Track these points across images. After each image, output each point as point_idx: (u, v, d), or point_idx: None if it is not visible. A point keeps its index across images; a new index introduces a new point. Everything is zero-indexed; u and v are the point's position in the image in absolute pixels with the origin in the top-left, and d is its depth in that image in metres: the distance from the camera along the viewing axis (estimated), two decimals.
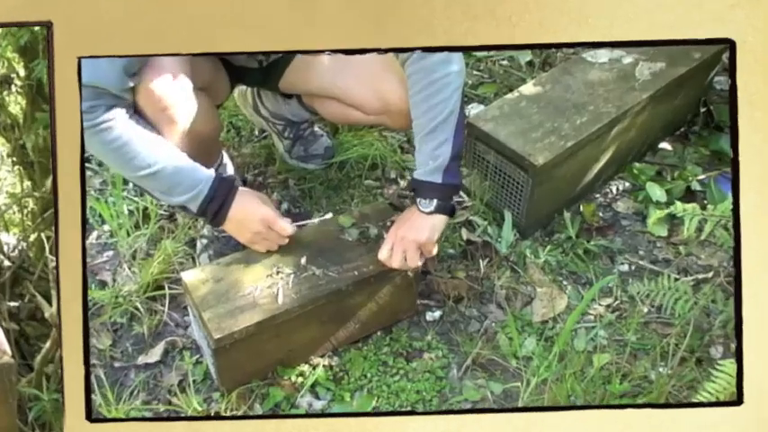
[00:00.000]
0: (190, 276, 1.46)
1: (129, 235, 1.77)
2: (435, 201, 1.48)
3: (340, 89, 1.66)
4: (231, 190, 1.47)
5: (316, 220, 1.61)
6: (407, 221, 1.50)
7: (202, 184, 1.44)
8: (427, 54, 1.39)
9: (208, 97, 1.56)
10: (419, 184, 1.48)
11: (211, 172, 1.47)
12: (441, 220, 1.51)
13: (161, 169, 1.41)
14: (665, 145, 2.17)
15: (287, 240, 1.52)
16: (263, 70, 1.65)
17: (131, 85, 1.34)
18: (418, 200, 1.49)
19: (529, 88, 1.94)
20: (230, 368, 1.46)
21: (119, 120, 1.36)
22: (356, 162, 2.06)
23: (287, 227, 1.49)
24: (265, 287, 1.45)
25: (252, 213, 1.48)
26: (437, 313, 1.71)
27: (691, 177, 2.00)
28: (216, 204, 1.46)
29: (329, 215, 1.63)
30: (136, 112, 1.40)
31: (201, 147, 1.55)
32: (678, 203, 1.45)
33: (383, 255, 1.49)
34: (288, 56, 1.64)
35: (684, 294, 1.50)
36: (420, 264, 1.52)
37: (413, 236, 1.47)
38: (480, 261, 1.79)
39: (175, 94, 1.40)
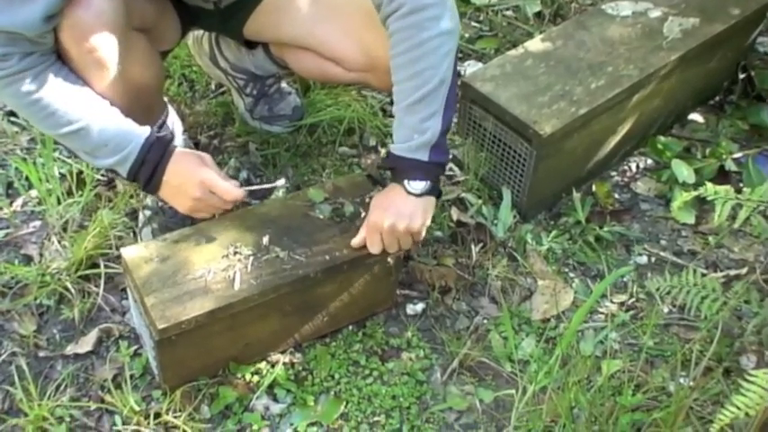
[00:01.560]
0: (131, 253, 1.49)
1: (59, 203, 1.80)
2: (427, 181, 1.52)
3: (318, 39, 1.69)
4: (166, 151, 1.50)
5: (268, 186, 1.63)
6: (392, 205, 1.53)
7: (132, 144, 1.47)
8: (414, 8, 1.42)
9: (149, 41, 1.58)
10: (401, 161, 1.52)
11: (144, 130, 1.49)
12: (431, 202, 1.55)
13: (84, 126, 1.44)
14: (695, 116, 2.24)
15: (230, 206, 1.55)
16: (223, 11, 1.67)
17: (50, 27, 1.37)
18: (406, 180, 1.52)
19: (536, 44, 1.99)
20: (175, 363, 1.50)
21: (36, 69, 1.38)
22: (329, 126, 2.11)
23: (231, 190, 1.51)
24: (220, 270, 1.49)
25: (190, 177, 1.50)
26: (419, 306, 1.76)
27: (725, 155, 2.06)
28: (148, 168, 1.49)
29: (281, 181, 1.66)
30: (60, 58, 1.43)
31: (139, 99, 1.56)
32: (708, 185, 1.49)
33: (357, 241, 1.54)
34: None
35: (712, 293, 1.52)
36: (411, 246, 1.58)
37: (404, 224, 1.51)
38: (472, 246, 1.84)
39: (105, 32, 1.41)
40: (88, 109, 1.44)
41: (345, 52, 1.68)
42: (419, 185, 1.51)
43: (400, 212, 1.51)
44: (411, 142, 1.49)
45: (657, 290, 1.62)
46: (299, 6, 1.69)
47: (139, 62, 1.53)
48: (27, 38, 1.34)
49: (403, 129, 1.50)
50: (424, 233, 1.57)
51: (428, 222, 1.55)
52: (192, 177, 1.50)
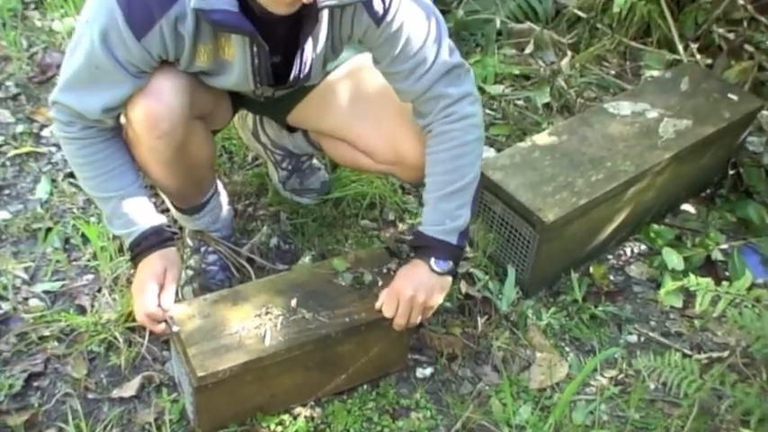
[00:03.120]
0: (177, 310, 1.67)
1: (111, 259, 1.99)
2: (450, 262, 1.70)
3: (353, 133, 1.88)
4: (148, 249, 1.67)
5: (176, 329, 1.66)
6: (415, 278, 1.70)
7: (135, 228, 1.67)
8: (462, 115, 1.64)
9: (205, 125, 1.79)
10: (432, 241, 1.70)
11: (149, 221, 1.68)
12: (448, 282, 1.73)
13: (111, 198, 1.66)
14: (687, 207, 2.41)
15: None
16: (272, 101, 1.87)
17: (108, 117, 1.58)
18: (433, 259, 1.70)
19: (543, 137, 2.18)
20: (209, 409, 1.67)
21: (92, 139, 1.61)
22: (353, 200, 2.29)
23: (142, 319, 1.64)
24: (252, 327, 1.67)
25: (137, 283, 1.67)
26: (428, 370, 1.92)
27: (712, 246, 2.22)
28: (134, 253, 1.69)
29: (176, 328, 1.65)
30: (120, 133, 1.65)
31: (192, 175, 1.80)
32: (692, 276, 1.66)
33: (387, 311, 1.71)
34: (300, 90, 1.87)
35: (691, 374, 1.69)
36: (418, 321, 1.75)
37: (423, 297, 1.69)
38: (478, 318, 2.01)
39: (171, 121, 1.61)
40: (121, 186, 1.66)
41: (376, 147, 1.86)
42: (444, 265, 1.69)
43: (423, 286, 1.69)
44: (443, 226, 1.68)
45: (644, 367, 1.79)
46: (340, 103, 1.88)
47: (196, 144, 1.75)
48: (88, 118, 1.57)
49: (436, 213, 1.69)
50: (433, 311, 1.75)
51: (441, 300, 1.73)
52: (135, 284, 1.67)
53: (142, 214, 1.68)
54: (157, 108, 1.58)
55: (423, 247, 1.72)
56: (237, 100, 1.91)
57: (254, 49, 1.54)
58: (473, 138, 1.68)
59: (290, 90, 1.84)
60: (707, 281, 1.65)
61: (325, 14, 1.58)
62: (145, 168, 1.72)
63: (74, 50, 1.53)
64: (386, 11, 1.56)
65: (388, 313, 1.71)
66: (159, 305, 1.63)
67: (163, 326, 1.64)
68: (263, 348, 1.64)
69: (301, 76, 1.67)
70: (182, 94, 1.61)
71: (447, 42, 1.65)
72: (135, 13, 1.44)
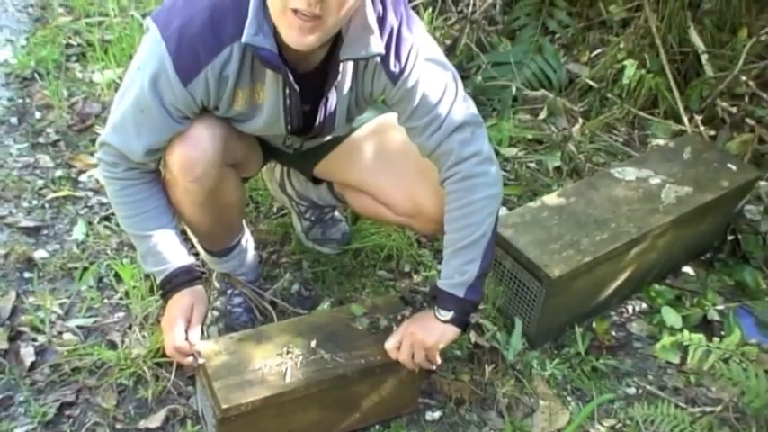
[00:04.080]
0: (204, 346, 1.79)
1: (143, 298, 2.11)
2: (452, 312, 1.81)
3: (376, 187, 2.01)
4: (178, 287, 1.81)
5: (201, 361, 1.77)
6: (421, 321, 1.83)
7: (166, 266, 1.80)
8: (468, 175, 1.75)
9: (236, 172, 1.92)
10: (440, 292, 1.81)
11: (181, 261, 1.81)
12: (453, 331, 1.83)
13: (147, 236, 1.79)
14: (687, 269, 2.52)
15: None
16: (300, 154, 2.01)
17: (151, 159, 1.73)
18: (436, 307, 1.81)
19: (552, 198, 2.30)
20: None
21: (133, 180, 1.76)
22: (371, 251, 2.41)
23: (170, 352, 1.77)
24: (274, 365, 1.78)
25: (166, 318, 1.80)
26: (437, 413, 2.02)
27: (709, 306, 2.33)
28: (165, 290, 1.82)
29: (201, 360, 1.78)
30: (158, 176, 1.79)
31: (222, 219, 1.94)
32: (686, 332, 1.78)
33: (389, 344, 1.82)
34: (327, 145, 2.01)
35: (682, 423, 1.79)
36: (424, 366, 1.85)
37: (422, 336, 1.80)
38: (486, 366, 2.10)
39: (206, 167, 1.75)
40: (157, 226, 1.80)
41: (396, 200, 1.98)
42: (446, 314, 1.80)
43: (425, 329, 1.80)
44: (451, 280, 1.79)
45: (640, 416, 1.88)
46: (364, 158, 2.01)
47: (227, 190, 1.87)
48: (131, 159, 1.71)
49: (448, 268, 1.80)
50: (438, 358, 1.84)
51: (442, 344, 1.82)
52: (165, 319, 1.80)
53: (174, 254, 1.81)
54: (194, 154, 1.71)
55: (433, 297, 1.84)
56: (268, 152, 2.05)
57: (287, 91, 1.68)
58: (479, 197, 1.76)
59: (317, 143, 1.98)
60: (699, 336, 1.76)
61: (348, 69, 1.72)
62: (179, 210, 1.85)
63: (123, 95, 1.68)
64: (402, 70, 1.69)
65: (392, 354, 1.82)
66: (187, 339, 1.75)
67: (190, 359, 1.76)
68: (284, 384, 1.75)
69: (326, 124, 1.80)
70: (217, 142, 1.74)
71: (461, 100, 1.75)
72: (183, 61, 1.58)
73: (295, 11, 1.46)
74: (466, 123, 1.75)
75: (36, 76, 3.04)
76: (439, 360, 1.86)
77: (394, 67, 1.69)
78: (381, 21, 1.64)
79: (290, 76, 1.63)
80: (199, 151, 1.72)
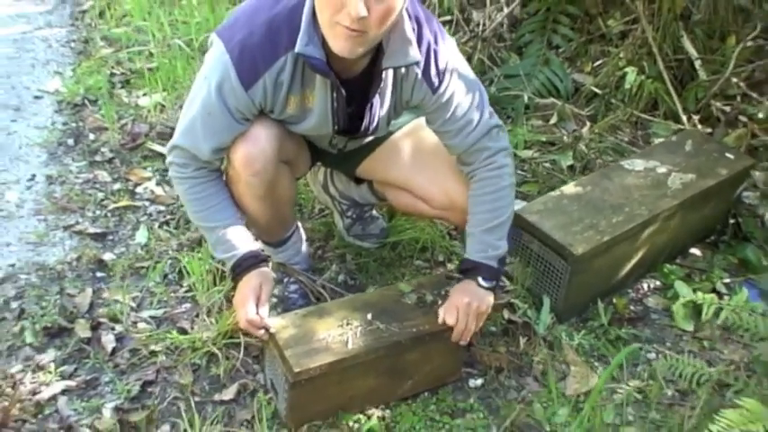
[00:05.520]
0: (274, 322, 1.97)
1: (208, 289, 2.30)
2: (493, 281, 2.02)
3: (413, 183, 2.21)
4: (247, 268, 2.00)
5: (273, 330, 1.97)
6: (468, 291, 2.02)
7: (235, 252, 1.99)
8: (498, 165, 2.00)
9: (290, 169, 2.12)
10: (478, 265, 2.02)
11: (249, 247, 2.01)
12: (492, 296, 2.04)
13: (216, 227, 1.99)
14: (695, 251, 2.71)
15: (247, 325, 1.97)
16: (345, 155, 2.22)
17: (217, 157, 1.93)
18: (480, 278, 2.02)
19: (570, 188, 2.50)
20: (300, 406, 1.95)
21: (201, 179, 1.96)
22: (408, 244, 2.61)
23: (242, 323, 1.96)
24: (337, 335, 1.96)
25: (238, 296, 1.99)
26: (479, 381, 2.20)
27: (716, 280, 2.52)
28: (235, 272, 2.01)
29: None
30: (222, 174, 1.99)
31: (278, 212, 2.13)
32: (699, 293, 1.96)
33: (449, 317, 2.00)
34: (367, 147, 2.22)
35: (701, 369, 1.97)
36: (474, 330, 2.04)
37: (476, 303, 2.00)
38: (520, 338, 2.29)
39: (265, 162, 1.95)
40: (224, 217, 2.00)
41: (433, 195, 2.18)
42: (488, 283, 2.01)
43: (475, 296, 2.00)
44: (486, 253, 2.00)
45: (661, 368, 2.05)
46: (402, 158, 2.22)
47: (283, 185, 2.07)
48: (200, 159, 1.91)
49: (480, 244, 2.02)
50: (484, 318, 2.05)
51: (489, 309, 2.03)
52: (238, 297, 2.00)
53: (241, 241, 2.00)
54: (254, 151, 1.92)
55: (470, 269, 2.04)
56: (315, 154, 2.25)
57: (334, 94, 1.88)
58: (507, 183, 2.03)
59: (359, 144, 2.19)
60: (711, 296, 1.94)
61: (389, 78, 1.92)
62: (242, 203, 2.04)
63: (191, 102, 1.89)
64: (440, 82, 1.91)
65: (450, 321, 2.00)
66: (258, 313, 1.94)
67: (262, 331, 1.95)
68: (347, 351, 1.93)
69: (371, 126, 2.00)
70: (273, 141, 1.94)
71: (488, 107, 2.01)
72: (245, 69, 1.79)
73: (341, 25, 1.68)
74: (494, 125, 2.01)
75: (86, 102, 3.26)
76: (481, 326, 2.05)
77: (434, 78, 1.91)
78: (419, 35, 1.86)
79: (337, 81, 1.84)
80: (258, 148, 1.92)
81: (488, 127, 1.99)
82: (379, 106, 1.97)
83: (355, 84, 1.90)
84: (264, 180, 1.98)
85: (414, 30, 1.84)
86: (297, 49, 1.75)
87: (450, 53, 1.93)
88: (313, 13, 1.74)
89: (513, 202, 2.06)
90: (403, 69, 1.90)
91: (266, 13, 1.79)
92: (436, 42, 1.89)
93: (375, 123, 2.00)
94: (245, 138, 1.91)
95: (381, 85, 1.91)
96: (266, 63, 1.80)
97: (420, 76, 1.91)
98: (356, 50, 1.73)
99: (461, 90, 1.95)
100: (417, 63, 1.87)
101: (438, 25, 1.93)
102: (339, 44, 1.71)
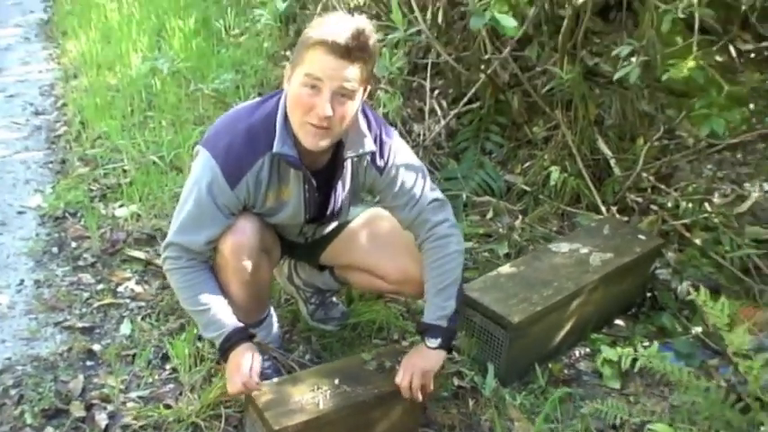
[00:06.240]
0: (255, 392, 2.24)
1: (190, 369, 2.55)
2: (439, 339, 2.30)
3: (371, 263, 2.53)
4: (235, 343, 2.24)
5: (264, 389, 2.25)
6: (417, 353, 2.32)
7: (224, 329, 2.24)
8: (440, 235, 2.30)
9: (268, 257, 2.43)
10: (429, 326, 2.31)
11: (236, 324, 2.25)
12: (441, 354, 2.32)
13: (205, 310, 2.24)
14: (618, 321, 3.05)
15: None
16: (310, 244, 2.54)
17: (208, 248, 2.22)
18: (426, 338, 2.31)
19: (506, 269, 2.84)
20: None
21: (192, 268, 2.23)
22: (366, 325, 2.90)
23: (241, 389, 2.19)
24: (309, 398, 2.22)
25: (230, 369, 2.21)
26: None
27: (638, 344, 2.85)
28: (225, 347, 2.25)
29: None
30: (210, 265, 2.28)
31: (257, 295, 2.41)
32: (618, 347, 2.30)
33: (399, 378, 2.29)
34: (331, 234, 2.55)
35: (622, 410, 2.28)
36: (426, 391, 2.32)
37: (422, 363, 2.28)
38: (469, 401, 2.58)
39: (250, 251, 2.25)
40: (212, 301, 2.25)
41: (388, 271, 2.50)
42: (435, 342, 2.29)
43: (423, 356, 2.29)
44: (435, 314, 2.29)
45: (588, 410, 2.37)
46: (361, 242, 2.55)
47: (263, 270, 2.36)
48: (193, 250, 2.20)
49: (431, 307, 2.31)
50: (432, 379, 2.30)
51: (437, 366, 2.31)
52: (231, 366, 2.22)
53: (229, 319, 2.27)
54: (242, 241, 2.23)
55: (423, 331, 2.33)
56: (285, 247, 2.57)
57: (306, 186, 2.21)
58: (452, 250, 2.31)
59: (323, 233, 2.52)
60: (629, 350, 2.28)
61: (348, 166, 2.27)
62: (227, 288, 2.30)
63: (184, 203, 2.19)
64: (385, 164, 2.28)
65: (397, 380, 2.27)
66: (251, 377, 2.19)
67: (255, 392, 2.20)
68: (319, 410, 2.19)
69: (335, 209, 2.34)
70: (257, 232, 2.26)
71: (429, 183, 2.34)
72: (230, 170, 2.13)
73: (310, 124, 2.04)
74: (436, 199, 2.34)
75: (67, 215, 3.54)
76: (432, 387, 2.33)
77: (380, 162, 2.27)
78: (369, 129, 2.23)
79: (308, 173, 2.18)
80: (245, 238, 2.23)
81: (429, 200, 2.31)
82: (342, 191, 2.31)
83: (322, 174, 2.25)
84: (249, 266, 2.26)
85: (368, 126, 2.21)
86: (275, 149, 2.10)
87: (393, 140, 2.30)
88: (285, 118, 2.10)
89: (459, 266, 2.33)
90: (357, 158, 2.25)
91: (245, 121, 2.15)
92: (381, 133, 2.27)
93: (339, 206, 2.34)
94: (232, 230, 2.22)
95: (343, 172, 2.26)
96: (248, 164, 2.14)
97: (369, 161, 2.27)
98: (323, 144, 2.09)
99: (404, 169, 2.30)
100: (373, 152, 2.22)
101: (382, 121, 2.31)
102: (309, 140, 2.07)
